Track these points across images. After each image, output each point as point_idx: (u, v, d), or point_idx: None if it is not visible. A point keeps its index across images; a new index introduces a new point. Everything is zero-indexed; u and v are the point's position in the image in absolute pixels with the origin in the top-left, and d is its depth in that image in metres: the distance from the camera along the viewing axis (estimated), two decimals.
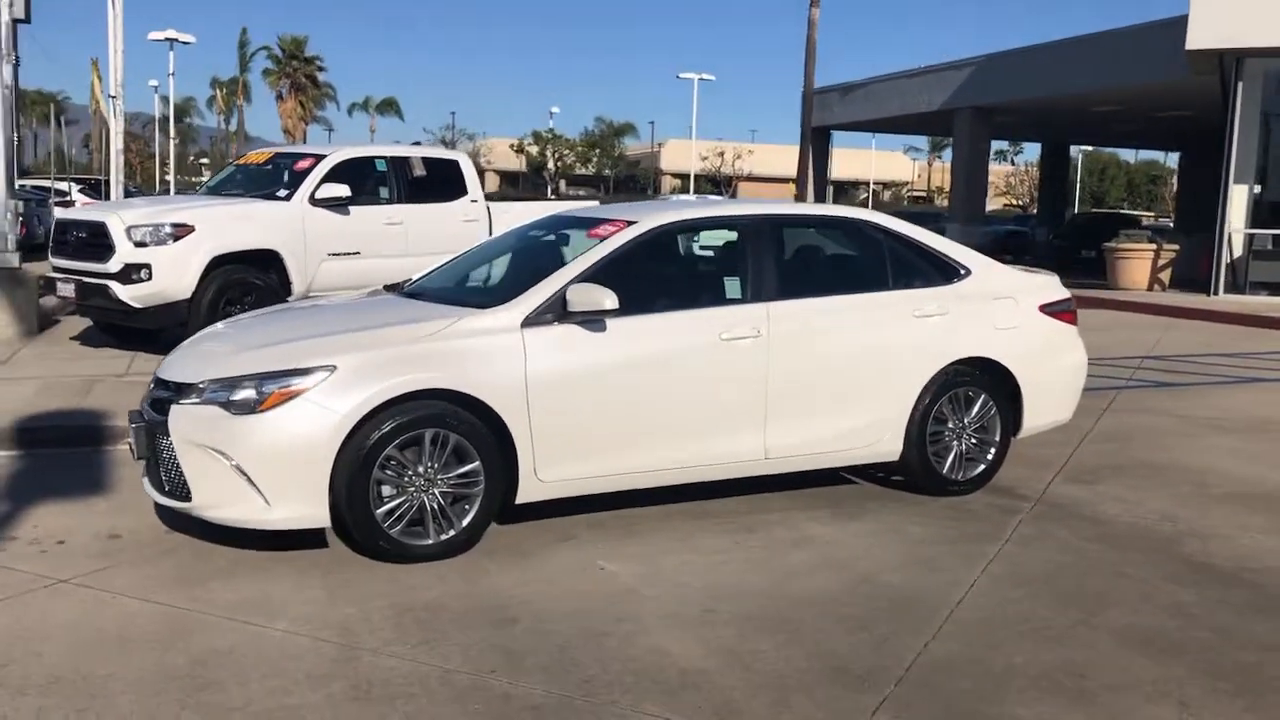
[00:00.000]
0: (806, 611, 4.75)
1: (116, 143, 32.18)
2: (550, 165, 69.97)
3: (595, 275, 5.69)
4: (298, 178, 10.92)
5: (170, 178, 62.23)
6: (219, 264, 10.18)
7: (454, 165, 12.12)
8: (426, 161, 11.93)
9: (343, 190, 10.71)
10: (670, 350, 5.78)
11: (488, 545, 5.51)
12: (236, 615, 4.59)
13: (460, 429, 5.26)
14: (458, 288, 6.29)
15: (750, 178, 75.16)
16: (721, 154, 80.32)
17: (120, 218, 10.02)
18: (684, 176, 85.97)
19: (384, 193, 11.43)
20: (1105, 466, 7.46)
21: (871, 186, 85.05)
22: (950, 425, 6.52)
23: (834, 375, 6.16)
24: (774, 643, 4.42)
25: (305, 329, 5.64)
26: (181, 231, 9.98)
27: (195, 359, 5.53)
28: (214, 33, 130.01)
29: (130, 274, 9.86)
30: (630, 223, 5.99)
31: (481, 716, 3.77)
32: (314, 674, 4.06)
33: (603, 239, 5.89)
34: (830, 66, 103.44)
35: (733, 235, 6.28)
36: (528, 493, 5.51)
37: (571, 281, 5.57)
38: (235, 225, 10.40)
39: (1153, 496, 6.73)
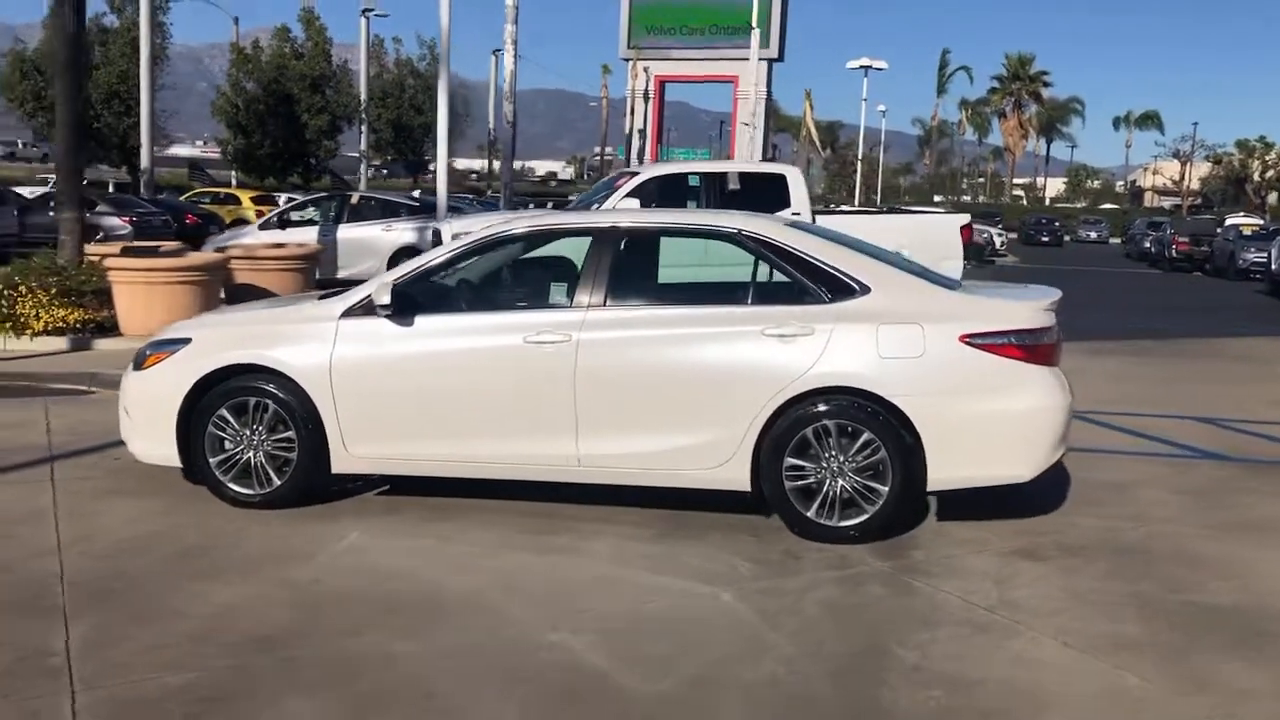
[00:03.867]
0: (380, 601, 4.97)
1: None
2: (1255, 176, 61.00)
3: (421, 278, 6.24)
4: (612, 193, 12.16)
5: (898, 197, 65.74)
6: None
7: (779, 179, 12.40)
8: (748, 176, 12.38)
9: (635, 204, 11.69)
10: (474, 349, 6.07)
11: (329, 508, 6.34)
12: (63, 517, 6.07)
13: (276, 400, 6.21)
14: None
15: None
16: None
17: (449, 226, 12.17)
18: None
19: (693, 206, 12.17)
20: (1095, 547, 5.87)
21: None
22: (824, 462, 5.79)
23: (654, 389, 5.89)
24: (279, 601, 4.86)
25: (230, 311, 6.99)
26: None
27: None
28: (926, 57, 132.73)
29: None
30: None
31: None
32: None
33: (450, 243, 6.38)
34: None
35: (579, 244, 6.27)
36: (340, 464, 6.24)
37: (390, 281, 6.18)
38: None
39: (1053, 586, 5.28)
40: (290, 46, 46.30)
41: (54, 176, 21.76)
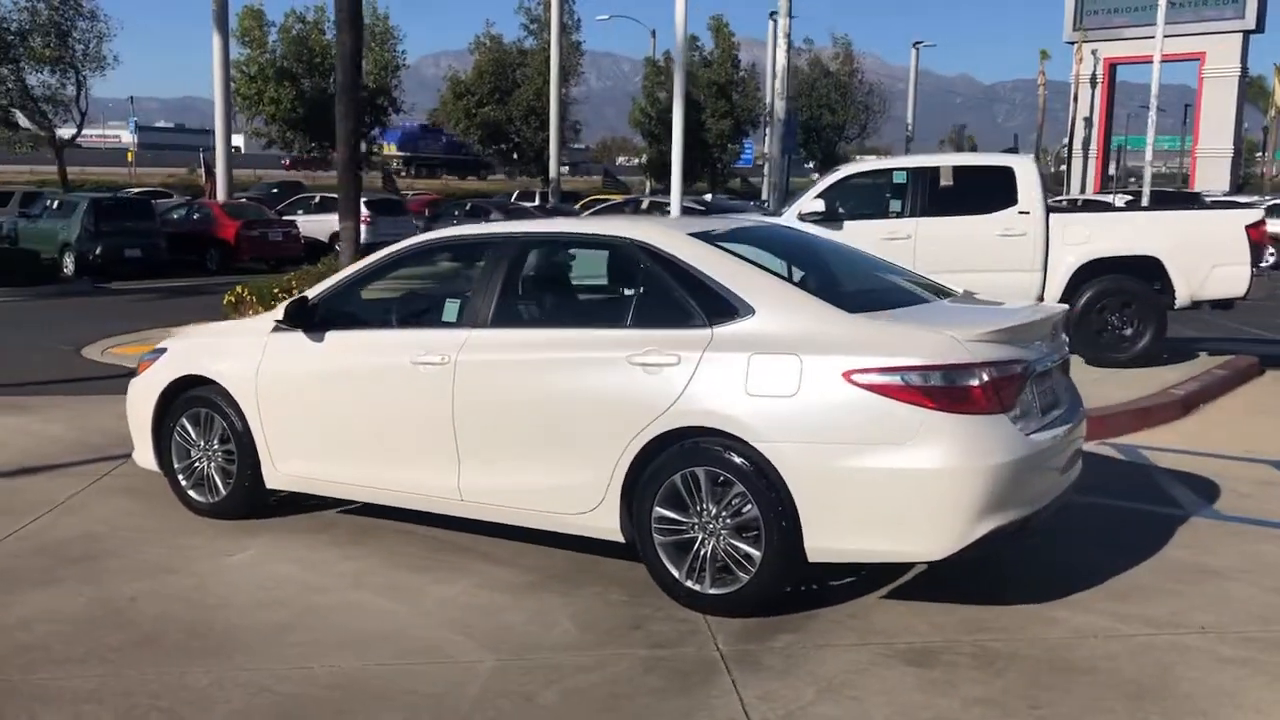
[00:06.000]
0: (155, 632, 4.79)
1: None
2: None
3: (343, 291, 5.98)
4: (803, 194, 11.16)
5: None
6: None
7: (1005, 172, 10.68)
8: (965, 170, 10.80)
9: (818, 205, 10.60)
10: (370, 368, 5.70)
11: (274, 521, 6.27)
12: (57, 512, 6.45)
13: (219, 412, 6.23)
14: None
15: None
16: None
17: None
18: None
19: (895, 206, 10.82)
20: (1027, 658, 4.37)
21: None
22: (697, 517, 4.84)
23: (525, 420, 5.20)
24: (62, 618, 4.78)
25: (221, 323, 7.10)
26: None
27: None
28: None
29: None
30: None
31: None
32: None
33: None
34: None
35: (483, 256, 5.65)
36: (271, 480, 6.12)
37: (299, 296, 5.98)
38: None
39: (887, 707, 3.98)
40: (699, 54, 47.66)
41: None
